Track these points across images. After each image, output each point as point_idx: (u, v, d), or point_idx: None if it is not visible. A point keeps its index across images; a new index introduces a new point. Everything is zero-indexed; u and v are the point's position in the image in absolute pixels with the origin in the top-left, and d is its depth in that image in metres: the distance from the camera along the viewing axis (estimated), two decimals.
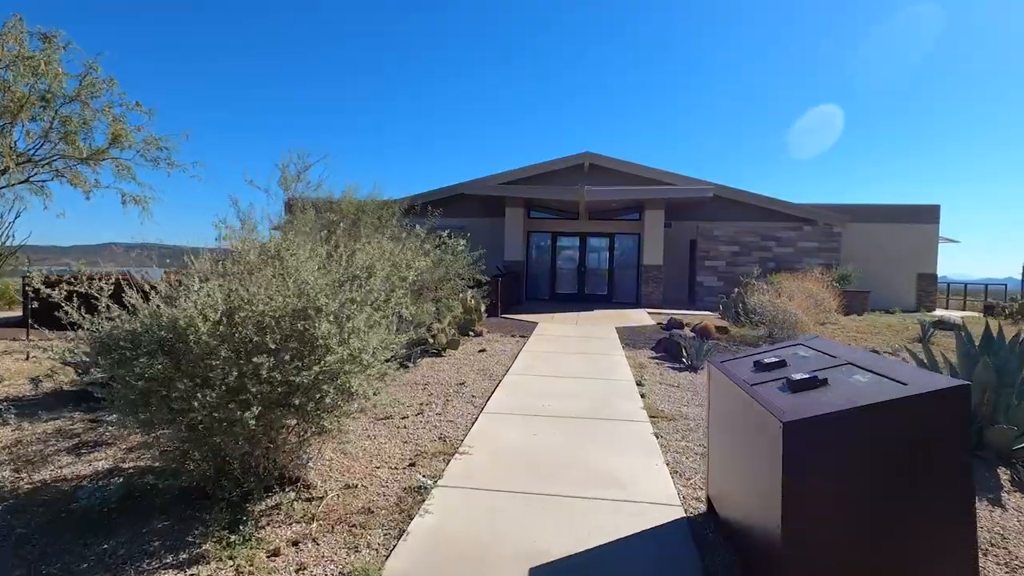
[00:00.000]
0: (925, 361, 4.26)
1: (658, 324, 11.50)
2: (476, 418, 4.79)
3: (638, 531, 2.86)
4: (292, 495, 3.15)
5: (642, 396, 5.58)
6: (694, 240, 17.16)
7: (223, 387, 2.56)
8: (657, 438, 4.30)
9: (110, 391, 2.68)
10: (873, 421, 1.82)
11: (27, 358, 7.23)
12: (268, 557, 2.60)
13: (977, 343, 4.13)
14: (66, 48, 7.13)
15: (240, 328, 2.67)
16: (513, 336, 9.74)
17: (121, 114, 7.55)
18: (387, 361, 3.41)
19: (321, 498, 3.16)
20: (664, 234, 16.20)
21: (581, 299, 17.27)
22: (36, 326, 8.62)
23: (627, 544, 2.74)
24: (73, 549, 2.64)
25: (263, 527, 2.85)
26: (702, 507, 3.16)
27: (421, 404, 5.26)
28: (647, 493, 3.30)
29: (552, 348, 8.55)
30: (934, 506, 1.85)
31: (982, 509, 3.11)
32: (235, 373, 2.56)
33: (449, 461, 3.78)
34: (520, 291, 16.46)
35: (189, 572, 2.46)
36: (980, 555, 2.59)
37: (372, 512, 3.04)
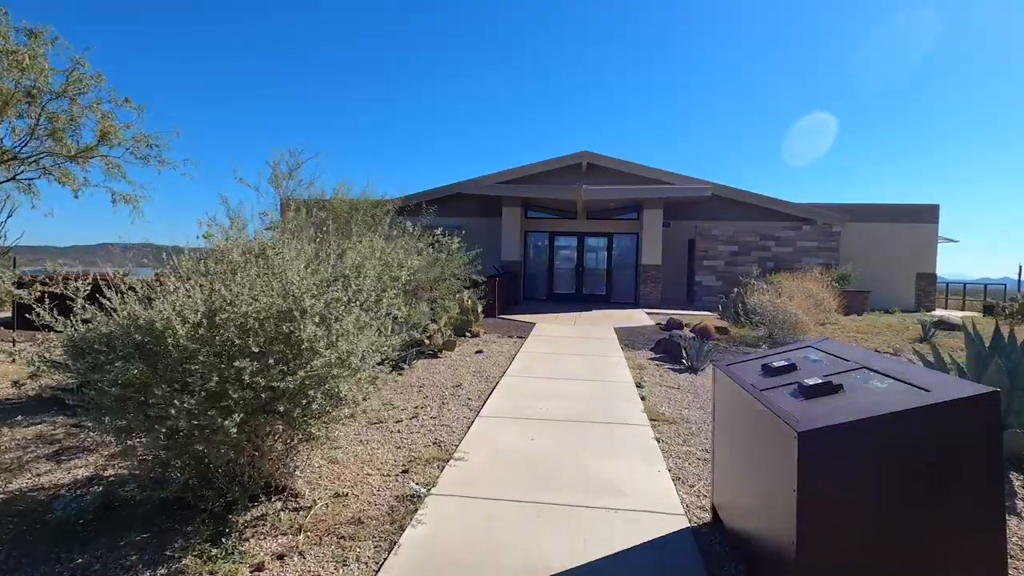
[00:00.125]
0: (933, 363, 4.14)
1: (657, 324, 11.39)
2: (472, 422, 4.65)
3: (641, 542, 2.73)
4: (278, 505, 3.01)
5: (642, 398, 5.46)
6: (693, 240, 17.05)
7: (203, 393, 2.42)
8: (658, 442, 4.18)
9: (82, 397, 2.53)
10: (897, 430, 1.70)
11: (12, 360, 7.06)
12: (251, 572, 2.47)
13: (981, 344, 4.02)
14: (53, 43, 6.98)
15: (221, 330, 2.53)
16: (510, 337, 9.61)
17: (110, 111, 7.39)
18: (379, 364, 3.27)
19: (309, 508, 3.03)
20: (662, 234, 16.09)
21: (579, 299, 17.15)
22: (22, 327, 8.45)
23: (630, 556, 2.61)
24: (46, 563, 2.50)
25: (247, 539, 2.72)
26: (706, 516, 3.04)
27: (416, 407, 5.12)
28: (649, 501, 3.18)
29: (550, 349, 8.42)
30: (963, 513, 1.74)
31: None
32: (216, 378, 2.42)
33: (444, 467, 3.64)
34: (517, 291, 16.32)
35: None
36: None
37: (362, 522, 2.91)
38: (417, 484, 3.35)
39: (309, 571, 2.48)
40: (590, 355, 7.94)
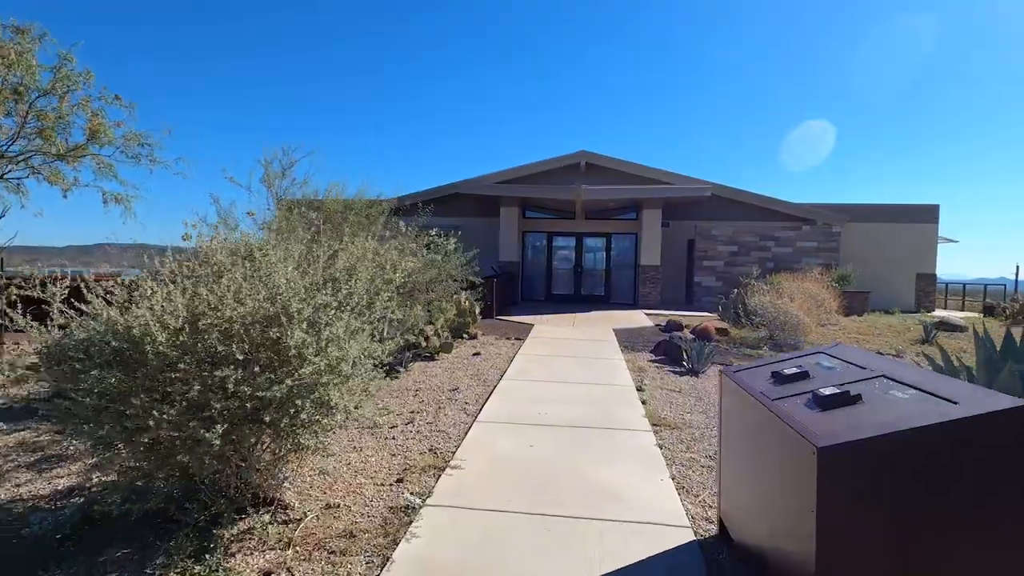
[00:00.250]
0: (943, 367, 4.03)
1: (656, 326, 11.28)
2: (469, 427, 4.53)
3: (646, 556, 2.61)
4: (266, 517, 2.88)
5: (643, 402, 5.34)
6: (692, 240, 16.94)
7: (184, 403, 2.29)
8: (661, 449, 4.06)
9: (56, 407, 2.40)
10: (924, 445, 1.58)
11: None
12: None
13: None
14: (41, 40, 6.84)
15: (204, 336, 2.41)
16: (508, 339, 9.49)
17: (100, 108, 7.25)
18: (373, 369, 3.15)
19: (299, 520, 2.90)
20: (662, 234, 15.96)
21: (578, 300, 17.02)
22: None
23: (634, 572, 2.49)
24: None
25: (233, 555, 2.59)
26: (712, 528, 2.92)
27: (411, 412, 4.99)
28: (653, 512, 3.06)
29: (549, 351, 8.30)
30: (1000, 527, 1.63)
31: None
32: (197, 387, 2.29)
33: (440, 476, 3.52)
34: (515, 292, 16.19)
35: None
36: None
37: (354, 536, 2.78)
38: (412, 494, 3.22)
39: None
40: (589, 357, 7.83)
